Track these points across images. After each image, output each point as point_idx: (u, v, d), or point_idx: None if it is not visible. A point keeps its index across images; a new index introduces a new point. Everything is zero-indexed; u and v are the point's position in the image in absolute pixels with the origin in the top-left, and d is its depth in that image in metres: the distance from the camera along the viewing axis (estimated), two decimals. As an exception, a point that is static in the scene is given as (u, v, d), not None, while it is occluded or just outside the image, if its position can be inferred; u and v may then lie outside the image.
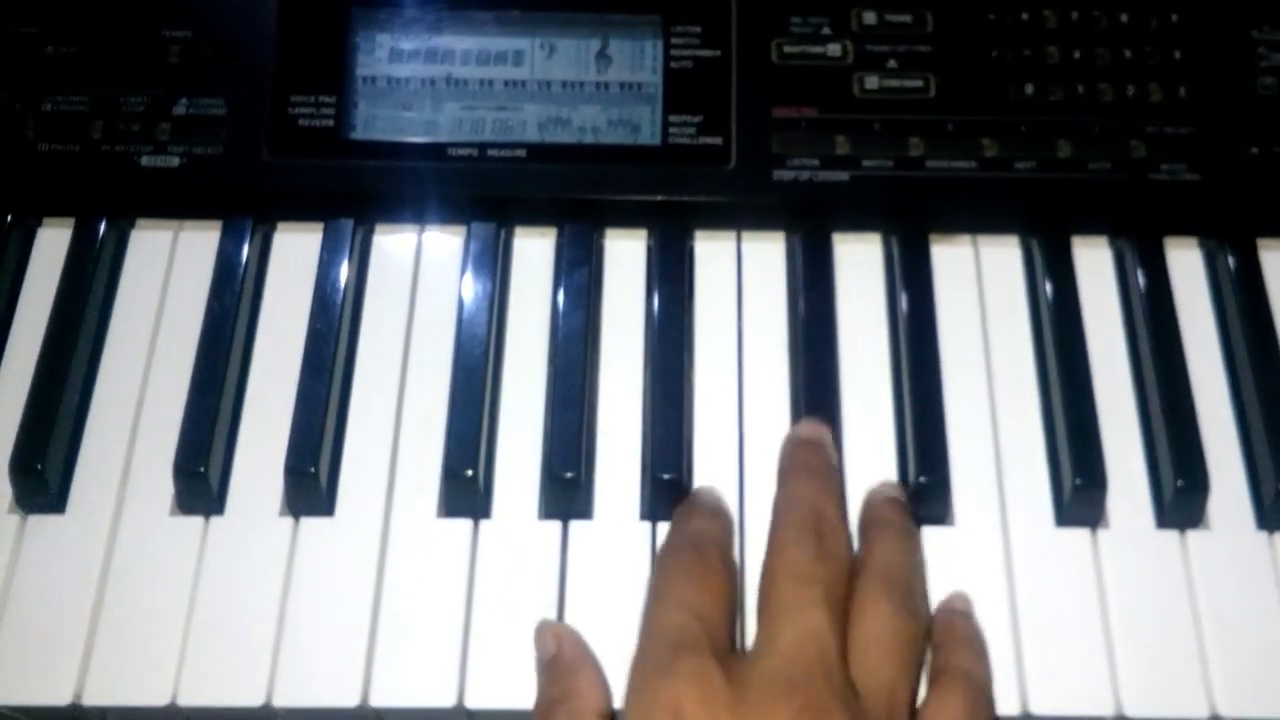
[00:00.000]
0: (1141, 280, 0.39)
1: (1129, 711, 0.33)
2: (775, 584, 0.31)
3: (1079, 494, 0.35)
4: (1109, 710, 0.33)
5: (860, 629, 0.30)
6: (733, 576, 0.33)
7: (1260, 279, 0.39)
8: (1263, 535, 0.36)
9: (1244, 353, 0.38)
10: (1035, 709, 0.33)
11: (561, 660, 0.32)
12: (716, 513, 0.34)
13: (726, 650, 0.30)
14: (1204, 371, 0.38)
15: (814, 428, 0.36)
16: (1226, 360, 0.38)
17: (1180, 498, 0.35)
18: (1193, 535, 0.35)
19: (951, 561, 0.35)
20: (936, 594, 0.34)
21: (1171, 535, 0.35)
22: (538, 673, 0.33)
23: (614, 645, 0.33)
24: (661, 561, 0.33)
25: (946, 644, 0.32)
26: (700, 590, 0.31)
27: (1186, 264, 0.40)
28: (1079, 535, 0.35)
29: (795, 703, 0.28)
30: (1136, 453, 0.37)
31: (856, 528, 0.35)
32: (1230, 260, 0.39)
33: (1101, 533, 0.36)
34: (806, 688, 0.28)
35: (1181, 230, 0.40)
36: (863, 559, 0.33)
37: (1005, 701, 0.33)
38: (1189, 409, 0.36)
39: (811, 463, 0.34)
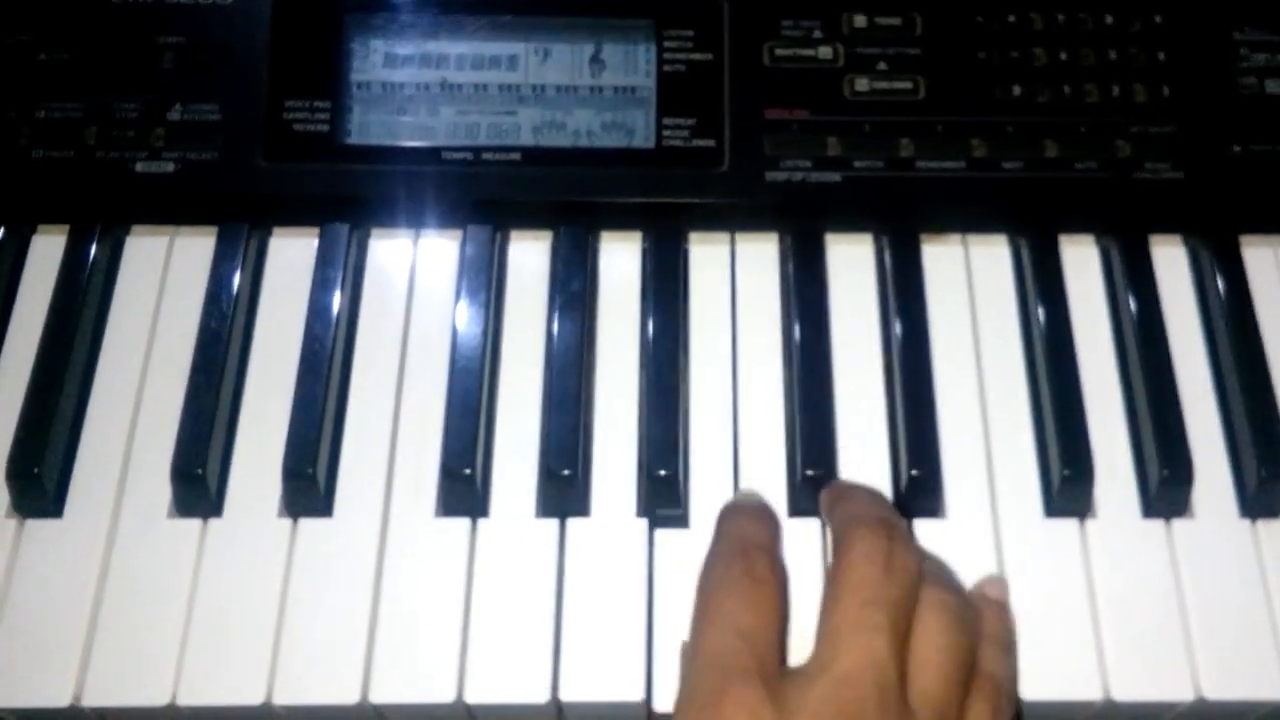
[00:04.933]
0: (1127, 277, 0.40)
1: (1117, 695, 0.33)
2: (839, 602, 0.30)
3: (1067, 485, 0.36)
4: (1097, 694, 0.34)
5: (918, 648, 0.30)
6: (783, 584, 0.31)
7: (1243, 274, 0.40)
8: (1246, 523, 0.36)
9: (1227, 346, 0.38)
10: (1026, 694, 0.33)
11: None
12: (762, 514, 0.33)
13: (777, 669, 0.29)
14: (1188, 365, 0.38)
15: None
16: (1210, 353, 0.39)
17: (1165, 487, 0.36)
18: (1178, 524, 0.36)
19: (944, 552, 0.35)
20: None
21: (1157, 524, 0.36)
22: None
23: (610, 640, 0.34)
24: (707, 573, 0.32)
25: (984, 646, 0.32)
26: (748, 606, 0.30)
27: (1171, 260, 0.41)
28: (1068, 525, 0.36)
29: None
30: (1123, 444, 0.37)
31: None
32: (1213, 256, 0.40)
33: (1089, 522, 0.36)
34: (861, 716, 0.28)
35: (1166, 228, 0.41)
36: (924, 573, 0.32)
37: (998, 689, 0.34)
38: (1174, 401, 0.37)
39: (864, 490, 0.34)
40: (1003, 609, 0.33)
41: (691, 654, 0.31)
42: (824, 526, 0.35)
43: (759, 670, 0.29)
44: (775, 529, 0.34)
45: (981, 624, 0.32)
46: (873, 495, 0.34)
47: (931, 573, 0.32)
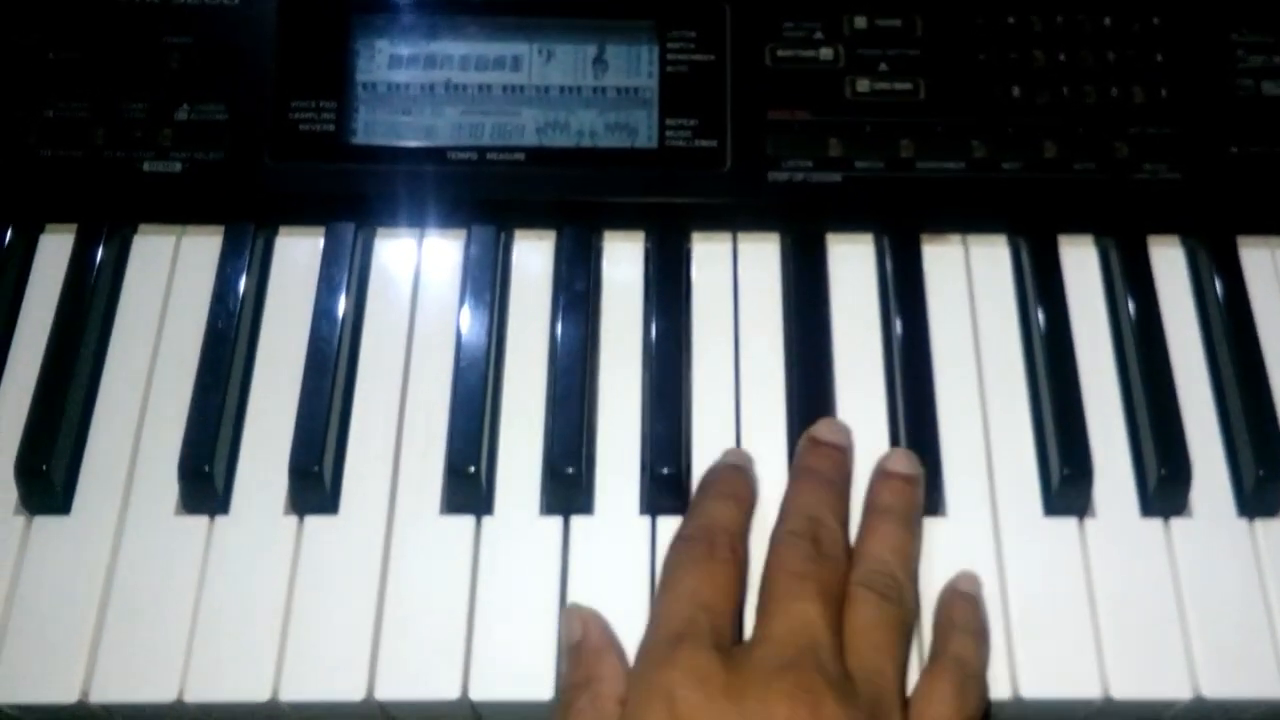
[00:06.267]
0: (1125, 277, 0.40)
1: (1116, 693, 0.34)
2: (773, 579, 0.33)
3: (1066, 483, 0.36)
4: (1096, 692, 0.34)
5: (850, 619, 0.32)
6: (740, 565, 0.34)
7: (1240, 275, 0.40)
8: (1243, 522, 0.37)
9: (1225, 347, 0.39)
10: (1025, 692, 0.34)
11: (586, 645, 0.33)
12: (732, 495, 0.35)
13: (728, 640, 0.32)
14: (1186, 364, 0.39)
15: (834, 431, 0.36)
16: (1208, 354, 0.39)
17: (1164, 486, 0.36)
18: (1176, 523, 0.36)
19: (944, 550, 0.36)
20: (931, 582, 0.35)
21: (1156, 523, 0.36)
22: (563, 656, 0.33)
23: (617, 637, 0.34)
24: (674, 548, 0.34)
25: (943, 627, 0.34)
26: (707, 581, 0.32)
27: (1169, 261, 0.41)
28: (1067, 524, 0.36)
29: (787, 683, 0.30)
30: (1121, 443, 0.38)
31: (863, 503, 0.36)
32: (1211, 257, 0.40)
33: (1089, 521, 0.36)
34: (797, 670, 0.30)
35: (1164, 228, 0.41)
36: (857, 548, 0.34)
37: (996, 685, 0.34)
38: (1172, 401, 0.37)
39: (821, 467, 0.35)
40: (972, 600, 0.34)
41: (652, 618, 0.33)
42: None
43: (712, 636, 0.31)
44: (746, 506, 0.35)
45: (953, 613, 0.34)
46: (817, 483, 0.35)
47: (869, 555, 0.34)
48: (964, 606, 0.34)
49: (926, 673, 0.33)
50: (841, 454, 0.36)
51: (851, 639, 0.32)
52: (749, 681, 0.30)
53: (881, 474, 0.36)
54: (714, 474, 0.36)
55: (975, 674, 0.33)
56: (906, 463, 0.36)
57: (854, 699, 0.30)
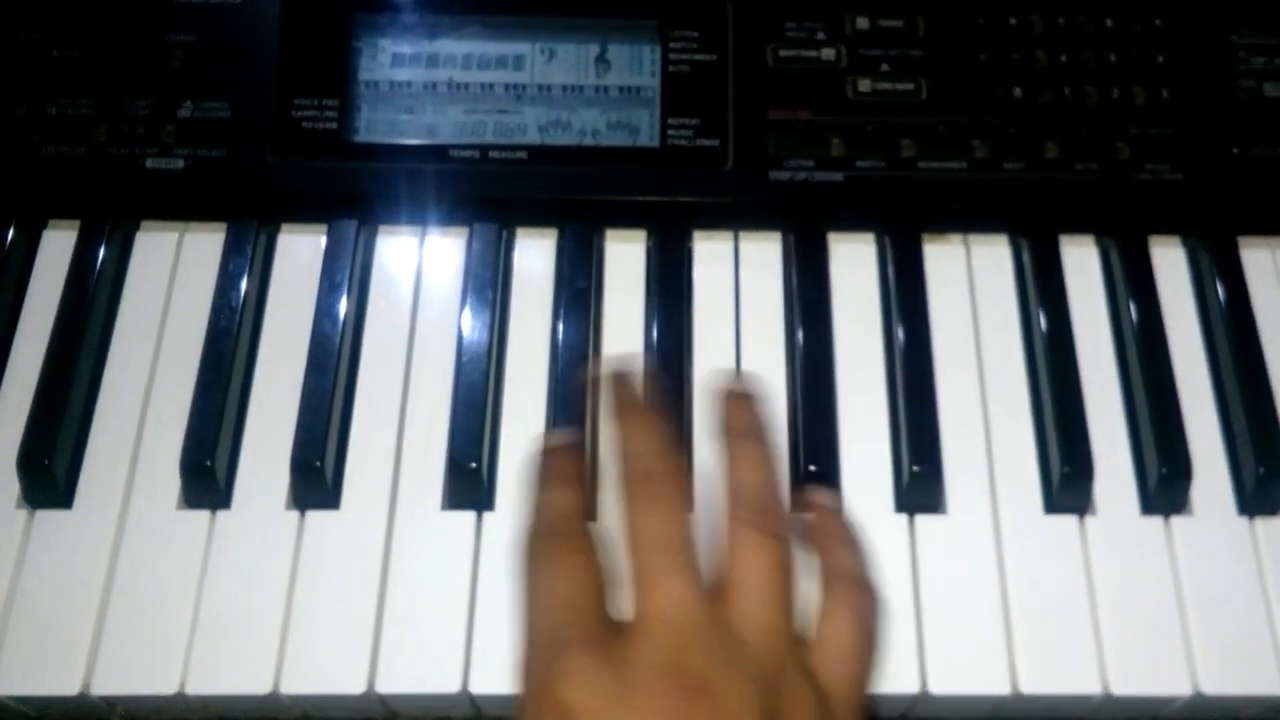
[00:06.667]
0: (1126, 277, 0.40)
1: (1116, 690, 0.34)
2: (632, 560, 0.31)
3: (1067, 482, 0.36)
4: (1096, 688, 0.34)
5: (735, 569, 0.30)
6: (593, 544, 0.32)
7: (1241, 275, 0.40)
8: (1243, 520, 0.37)
9: (1226, 346, 0.39)
10: (1025, 688, 0.34)
11: None
12: (562, 477, 0.34)
13: (604, 629, 0.30)
14: (1187, 364, 0.39)
15: (625, 366, 0.35)
16: (1208, 353, 0.39)
17: (1164, 485, 0.36)
18: (1176, 521, 0.37)
19: (944, 548, 0.36)
20: (933, 582, 0.35)
21: (1156, 521, 0.37)
22: None
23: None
24: (523, 551, 0.33)
25: (824, 545, 0.33)
26: (565, 576, 0.31)
27: (1170, 261, 0.41)
28: (1067, 522, 0.37)
29: (676, 682, 0.28)
30: (1122, 442, 0.38)
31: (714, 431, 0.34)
32: (1212, 258, 0.40)
33: (1089, 519, 0.37)
34: (684, 663, 0.28)
35: (1165, 229, 0.41)
36: (728, 480, 0.33)
37: (997, 681, 0.34)
38: (1172, 399, 0.37)
39: (631, 399, 0.35)
40: (834, 509, 0.34)
41: (524, 628, 0.31)
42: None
43: (587, 637, 0.30)
44: (580, 480, 0.34)
45: (828, 529, 0.34)
46: (640, 422, 0.34)
47: (741, 486, 0.32)
48: (832, 521, 0.34)
49: (824, 604, 0.32)
50: (639, 382, 0.35)
51: (740, 593, 0.30)
52: (638, 683, 0.28)
53: (723, 396, 0.35)
54: (539, 463, 0.34)
55: (861, 581, 0.32)
56: (743, 383, 0.35)
57: (747, 672, 0.28)
